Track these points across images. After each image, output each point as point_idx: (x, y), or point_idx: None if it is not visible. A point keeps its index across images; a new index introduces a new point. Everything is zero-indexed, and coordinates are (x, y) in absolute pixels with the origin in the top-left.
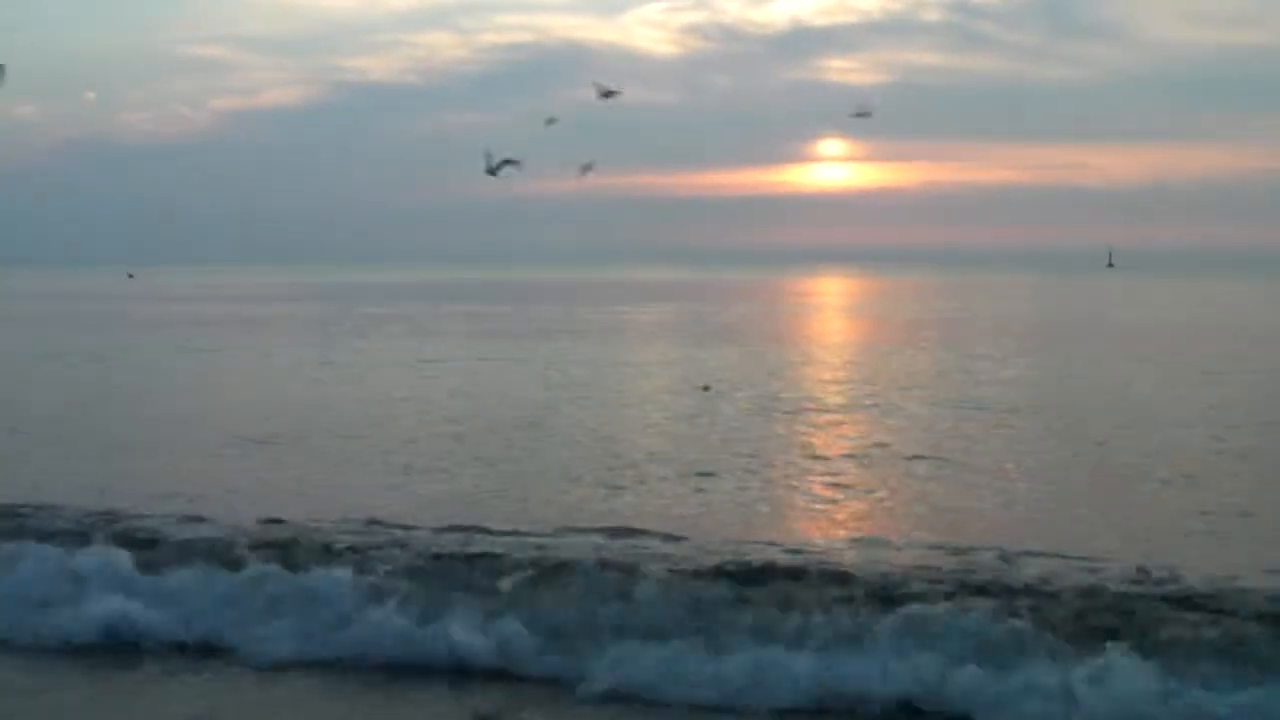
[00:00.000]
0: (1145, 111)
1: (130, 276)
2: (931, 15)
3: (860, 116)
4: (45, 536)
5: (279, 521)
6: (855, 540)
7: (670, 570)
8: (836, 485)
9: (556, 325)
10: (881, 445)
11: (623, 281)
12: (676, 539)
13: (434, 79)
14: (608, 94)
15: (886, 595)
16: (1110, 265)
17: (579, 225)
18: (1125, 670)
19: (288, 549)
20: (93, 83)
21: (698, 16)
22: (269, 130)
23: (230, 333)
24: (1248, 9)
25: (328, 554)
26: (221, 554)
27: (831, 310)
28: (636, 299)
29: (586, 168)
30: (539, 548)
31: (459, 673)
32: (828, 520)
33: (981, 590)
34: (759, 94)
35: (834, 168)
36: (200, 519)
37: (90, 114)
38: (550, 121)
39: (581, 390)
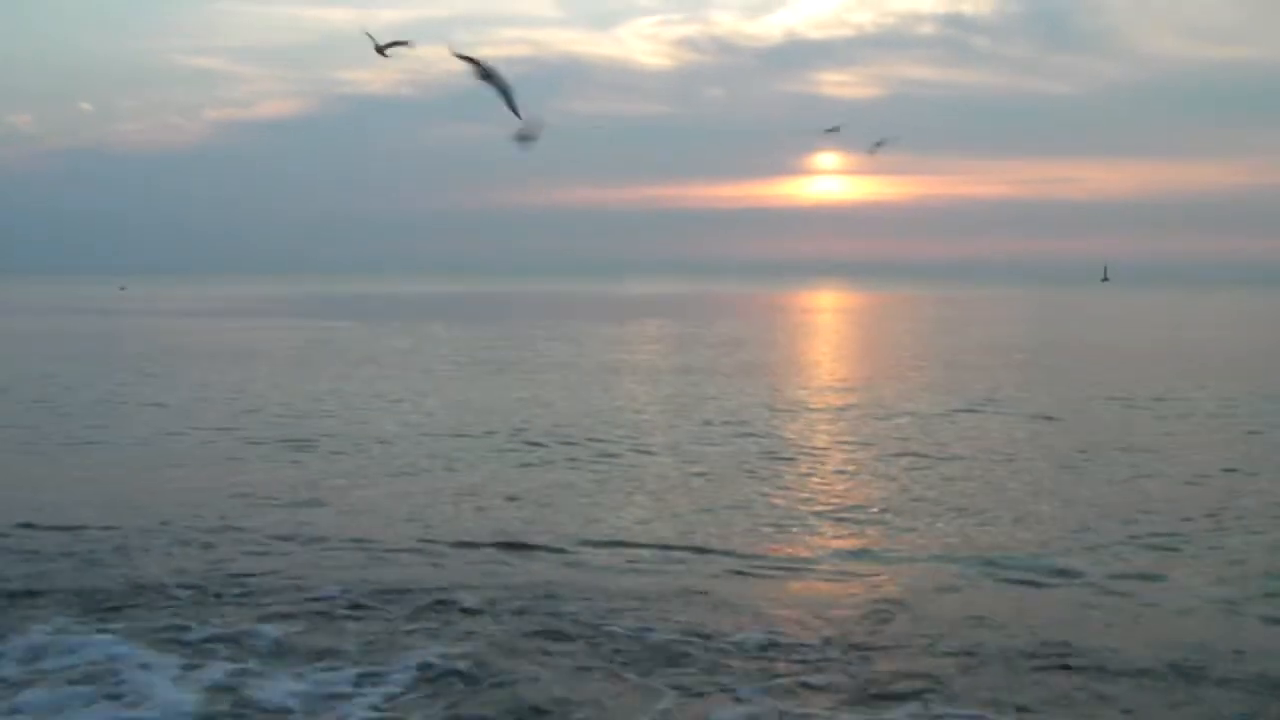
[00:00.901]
0: (1139, 125)
1: (122, 289)
2: (925, 29)
3: (830, 132)
4: None
5: None
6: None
7: None
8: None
9: (551, 337)
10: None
11: (622, 293)
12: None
13: (429, 91)
14: (399, 44)
15: None
16: (1105, 279)
17: (573, 237)
18: None
19: None
20: (88, 93)
21: (691, 30)
22: (264, 141)
23: (211, 356)
24: (1241, 23)
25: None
26: None
27: (831, 326)
28: (631, 311)
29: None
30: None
31: None
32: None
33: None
34: (753, 106)
35: (828, 180)
36: None
37: (86, 124)
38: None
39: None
